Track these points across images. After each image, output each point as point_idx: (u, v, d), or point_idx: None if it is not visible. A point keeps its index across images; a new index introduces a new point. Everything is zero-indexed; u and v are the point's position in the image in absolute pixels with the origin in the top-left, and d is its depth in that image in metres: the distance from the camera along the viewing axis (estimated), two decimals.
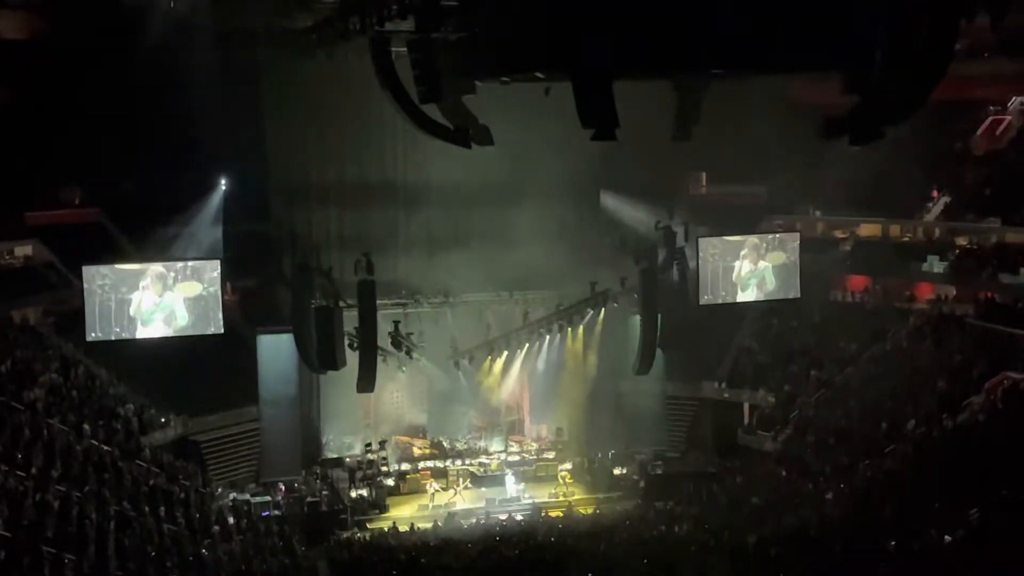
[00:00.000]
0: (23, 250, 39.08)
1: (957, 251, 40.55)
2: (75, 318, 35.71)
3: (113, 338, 34.77)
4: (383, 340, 35.51)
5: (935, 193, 43.18)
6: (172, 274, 35.01)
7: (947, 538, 23.52)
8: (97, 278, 34.47)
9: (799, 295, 40.14)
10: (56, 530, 23.24)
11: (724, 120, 29.23)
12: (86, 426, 32.16)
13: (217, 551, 26.80)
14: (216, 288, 35.44)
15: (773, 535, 26.78)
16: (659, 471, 38.55)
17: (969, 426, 30.95)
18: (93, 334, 34.58)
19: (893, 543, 23.98)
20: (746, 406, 40.92)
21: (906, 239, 43.06)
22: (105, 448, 31.72)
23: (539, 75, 17.41)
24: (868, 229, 43.99)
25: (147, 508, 28.13)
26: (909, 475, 29.22)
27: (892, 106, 15.68)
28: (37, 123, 35.82)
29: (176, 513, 28.87)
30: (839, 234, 44.65)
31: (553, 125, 27.88)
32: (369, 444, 39.30)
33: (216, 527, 29.02)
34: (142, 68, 34.42)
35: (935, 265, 40.50)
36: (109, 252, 37.65)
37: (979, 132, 43.69)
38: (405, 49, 19.89)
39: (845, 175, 39.75)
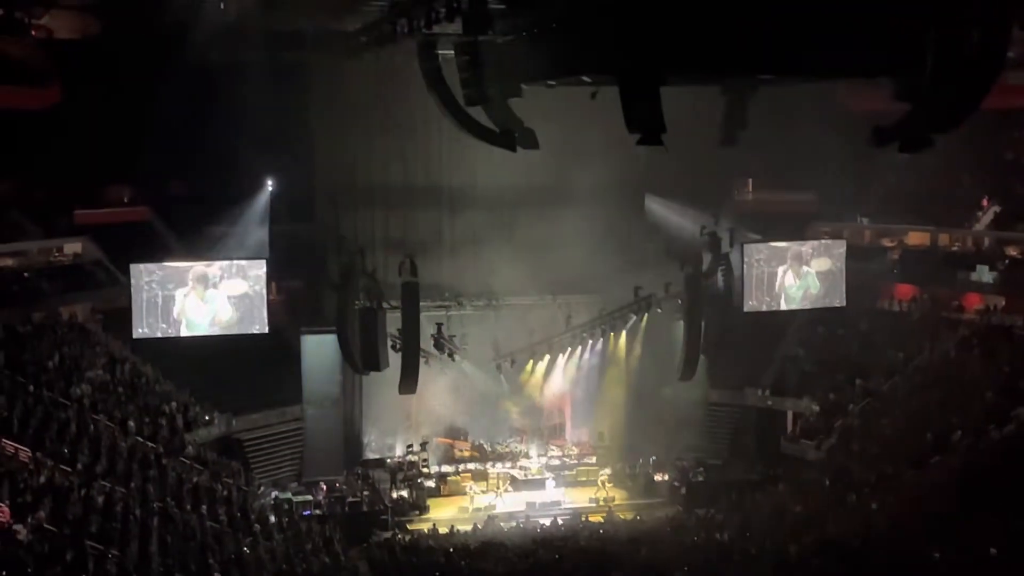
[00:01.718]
0: (72, 248, 39.54)
1: (1007, 261, 40.04)
2: (122, 315, 36.09)
3: (159, 335, 35.20)
4: (426, 342, 35.62)
5: (985, 202, 42.62)
6: (218, 273, 35.38)
7: (993, 551, 23.20)
8: (144, 275, 34.91)
9: (844, 303, 39.81)
10: (100, 525, 23.47)
11: (772, 126, 29.10)
12: (131, 422, 32.49)
13: (259, 549, 26.95)
14: (261, 287, 35.75)
15: (816, 545, 26.52)
16: (701, 478, 38.33)
17: (1016, 438, 30.53)
18: (140, 331, 35.01)
19: (937, 555, 23.69)
20: (790, 414, 40.58)
21: (955, 248, 42.53)
22: (150, 445, 32.04)
23: (586, 79, 17.41)
24: (916, 238, 43.47)
25: (190, 505, 28.37)
26: (955, 486, 28.84)
27: (942, 113, 15.51)
28: (88, 122, 36.18)
29: (219, 510, 29.07)
30: (887, 242, 44.18)
31: (599, 129, 27.91)
32: (410, 445, 39.38)
33: (258, 525, 29.18)
34: (192, 69, 34.73)
35: (984, 275, 40.04)
36: (157, 250, 37.99)
37: None
38: (452, 52, 19.96)
39: (894, 183, 39.35)
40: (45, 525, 22.04)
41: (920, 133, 15.62)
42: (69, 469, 26.29)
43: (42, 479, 24.57)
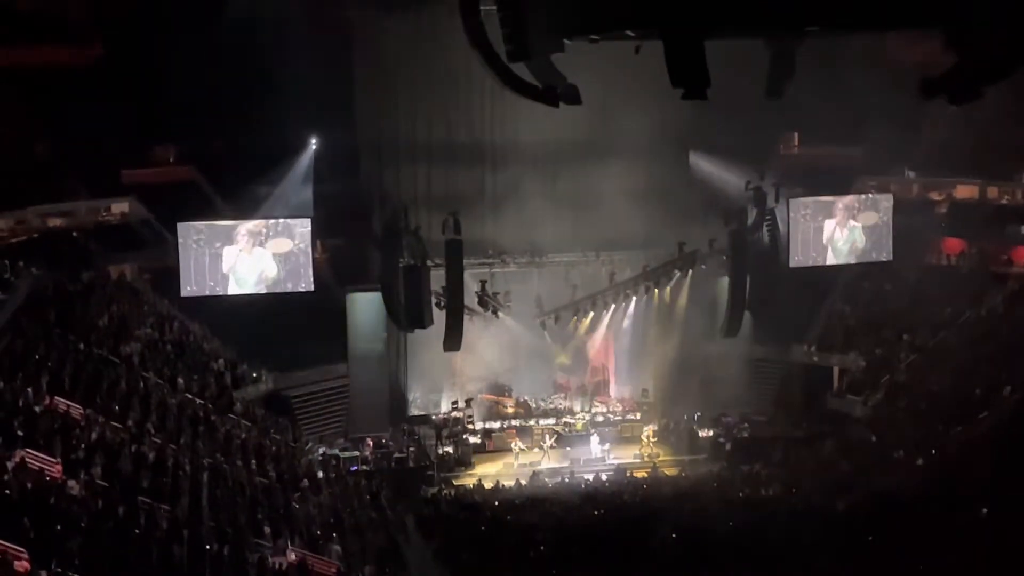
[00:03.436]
0: (119, 207, 39.82)
1: None
2: (170, 274, 36.51)
3: (207, 293, 35.59)
4: (470, 299, 35.75)
5: None
6: (264, 231, 35.69)
7: None
8: (191, 234, 35.33)
9: (891, 258, 39.52)
10: (151, 481, 23.81)
11: (819, 78, 28.65)
12: (180, 380, 32.87)
13: (307, 504, 27.28)
14: (307, 245, 36.07)
15: (863, 500, 26.47)
16: (745, 434, 38.29)
17: None
18: (188, 288, 35.44)
19: (985, 510, 23.56)
20: (836, 370, 40.32)
21: (1004, 201, 41.85)
22: (199, 402, 32.40)
23: (629, 33, 17.22)
24: (965, 191, 42.77)
25: (239, 461, 28.70)
26: (1004, 441, 28.61)
27: (992, 64, 15.21)
28: (132, 81, 36.32)
29: (267, 466, 29.39)
30: (935, 196, 43.54)
31: (642, 83, 27.66)
32: (455, 402, 39.60)
33: (306, 480, 29.49)
34: (234, 26, 34.73)
35: None
36: (203, 209, 38.23)
37: None
38: (494, 7, 19.83)
39: (942, 136, 38.75)
40: (97, 481, 22.40)
41: (969, 84, 15.33)
42: (120, 426, 26.64)
43: (94, 436, 24.93)
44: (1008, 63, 15.37)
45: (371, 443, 37.13)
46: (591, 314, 39.43)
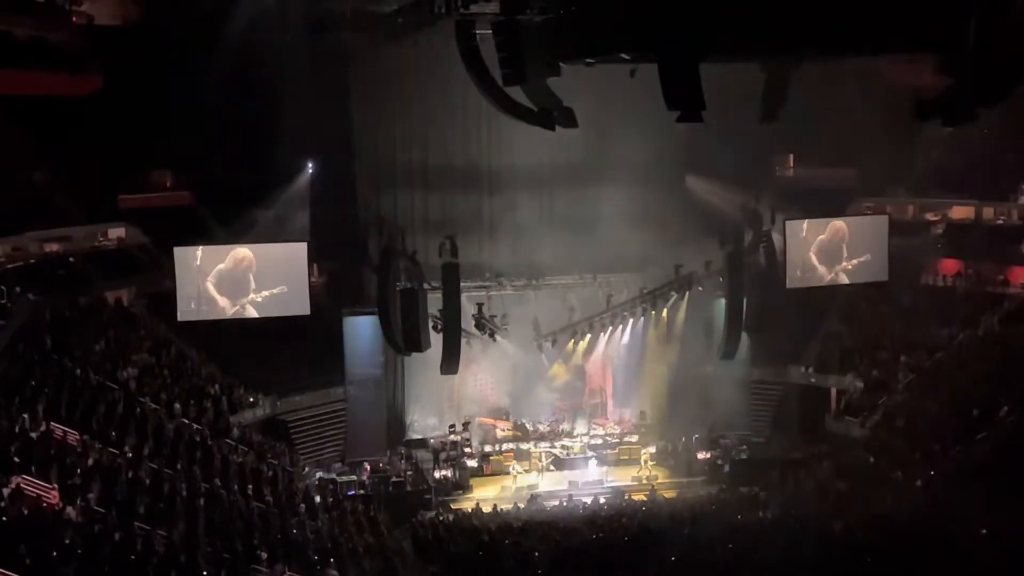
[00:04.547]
0: (116, 232, 39.92)
1: None
2: (167, 299, 36.55)
3: (203, 318, 35.56)
4: (467, 322, 35.74)
5: None
6: (261, 255, 35.74)
7: None
8: (188, 259, 35.31)
9: (887, 279, 39.59)
10: (148, 506, 23.76)
11: (813, 101, 28.82)
12: (177, 405, 32.83)
13: (305, 529, 27.20)
14: (303, 269, 36.06)
15: (860, 522, 26.42)
16: (744, 456, 38.23)
17: None
18: (184, 314, 35.42)
19: (984, 531, 23.53)
20: (833, 391, 40.27)
21: (1000, 222, 42.00)
22: (195, 427, 32.36)
23: (625, 57, 17.31)
24: (960, 212, 42.95)
25: (236, 486, 28.64)
26: (1001, 462, 28.60)
27: (986, 87, 15.31)
28: (130, 108, 36.45)
29: (264, 491, 29.34)
30: (931, 217, 43.71)
31: (638, 106, 27.77)
32: (453, 425, 39.48)
33: (303, 505, 29.44)
34: (232, 53, 34.87)
35: None
36: (199, 234, 38.29)
37: None
38: (490, 32, 19.92)
39: (937, 157, 38.90)
40: (94, 507, 22.35)
41: (963, 107, 15.44)
42: (116, 451, 26.61)
43: (90, 461, 24.89)
44: (1002, 86, 15.50)
45: (368, 467, 37.02)
46: (588, 336, 39.44)
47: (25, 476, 21.91)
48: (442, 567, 27.64)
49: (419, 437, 40.75)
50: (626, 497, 35.37)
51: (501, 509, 33.64)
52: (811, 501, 31.38)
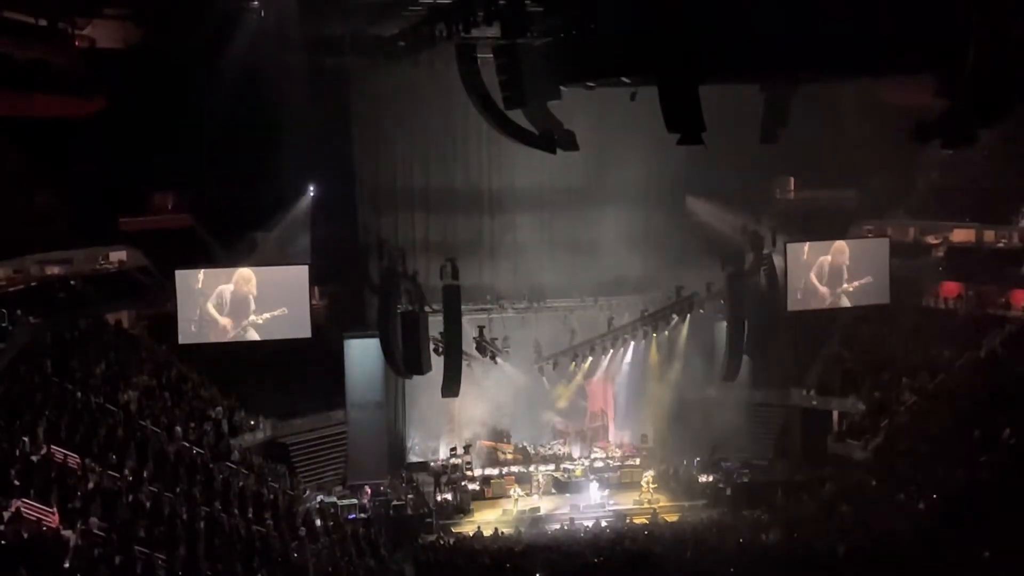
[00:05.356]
0: (117, 255, 39.90)
1: None
2: (167, 321, 36.55)
3: (204, 341, 35.55)
4: (468, 345, 35.75)
5: None
6: (261, 278, 35.76)
7: None
8: (189, 281, 35.35)
9: (888, 301, 39.58)
10: (148, 529, 23.67)
11: (813, 123, 28.86)
12: (178, 428, 32.75)
13: (305, 552, 27.10)
14: (304, 292, 36.08)
15: (863, 544, 26.31)
16: (746, 479, 38.08)
17: None
18: (185, 336, 35.41)
19: (987, 554, 23.43)
20: (835, 414, 40.19)
21: (1001, 245, 41.97)
22: (196, 450, 32.28)
23: (625, 80, 17.35)
24: (961, 235, 42.91)
25: (236, 509, 28.54)
26: (1004, 484, 28.50)
27: (985, 109, 15.33)
28: (132, 130, 36.53)
29: (265, 514, 29.22)
30: (932, 240, 43.69)
31: (638, 129, 27.81)
32: (454, 448, 39.43)
33: (303, 529, 29.33)
34: (233, 76, 34.99)
35: None
36: (201, 257, 38.34)
37: None
38: (491, 55, 19.99)
39: (938, 180, 38.91)
40: (94, 530, 22.26)
41: (963, 129, 15.45)
42: (117, 474, 26.53)
43: (90, 485, 24.81)
44: (1001, 108, 15.52)
45: (369, 490, 36.91)
46: (590, 359, 39.43)
47: (25, 499, 21.83)
48: None
49: (420, 460, 40.72)
50: (628, 520, 35.25)
51: (502, 532, 33.57)
52: (814, 524, 31.25)
